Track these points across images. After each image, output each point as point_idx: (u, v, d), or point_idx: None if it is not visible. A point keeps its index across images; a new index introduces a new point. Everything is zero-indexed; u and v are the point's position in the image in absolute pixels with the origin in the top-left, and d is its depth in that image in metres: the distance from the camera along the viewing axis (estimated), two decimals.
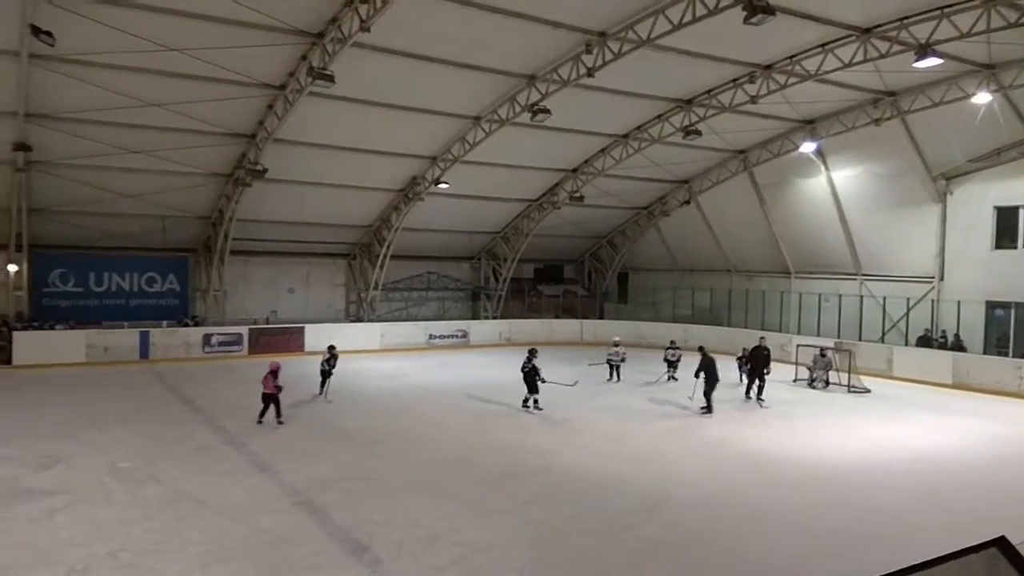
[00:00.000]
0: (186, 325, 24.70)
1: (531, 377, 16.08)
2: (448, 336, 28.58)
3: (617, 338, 21.59)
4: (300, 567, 7.89)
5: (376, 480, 11.17)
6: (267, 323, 26.46)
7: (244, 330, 24.87)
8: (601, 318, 32.75)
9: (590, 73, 18.18)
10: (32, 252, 22.09)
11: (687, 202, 29.78)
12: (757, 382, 18.03)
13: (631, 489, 10.95)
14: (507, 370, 21.46)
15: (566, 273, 35.42)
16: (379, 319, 28.73)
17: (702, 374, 16.83)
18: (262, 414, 14.44)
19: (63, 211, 22.12)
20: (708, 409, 16.59)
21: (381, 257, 27.81)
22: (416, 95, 20.47)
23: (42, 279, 23.35)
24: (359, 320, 28.66)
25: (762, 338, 19.68)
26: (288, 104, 19.36)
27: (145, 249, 25.03)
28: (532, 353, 16.48)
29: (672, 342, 21.78)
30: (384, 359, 24.63)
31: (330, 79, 16.84)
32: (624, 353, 20.88)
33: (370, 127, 21.78)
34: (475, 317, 31.61)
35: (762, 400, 17.80)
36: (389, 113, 21.09)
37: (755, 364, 18.24)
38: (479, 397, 17.50)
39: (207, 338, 24.13)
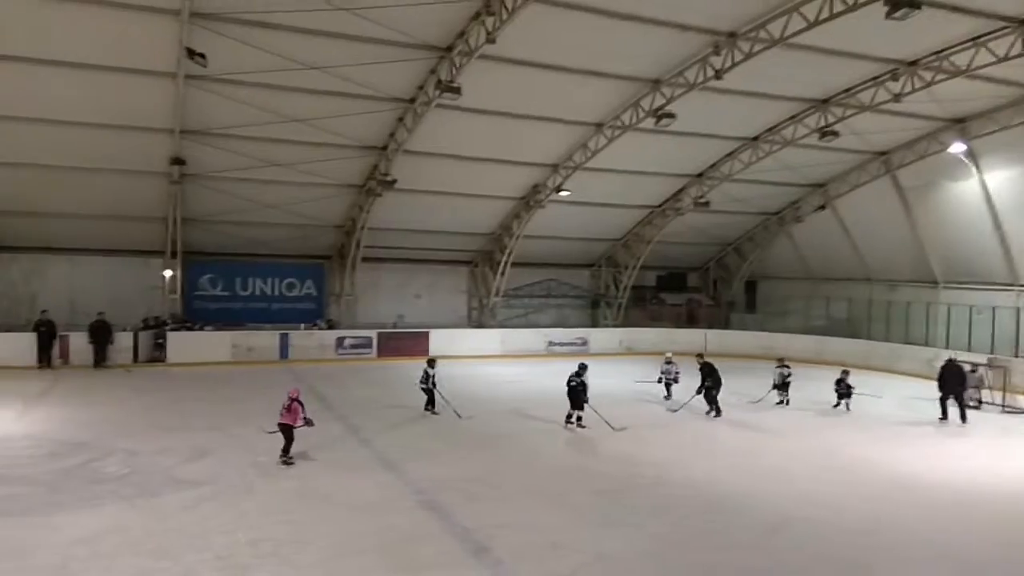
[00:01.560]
0: (318, 327, 26.04)
1: (576, 393, 15.28)
2: (567, 343, 28.55)
3: (669, 354, 19.87)
4: (425, 564, 8.09)
5: (495, 484, 11.29)
6: (395, 327, 27.41)
7: (374, 334, 25.89)
8: (727, 328, 31.70)
9: (718, 75, 17.70)
10: (185, 258, 23.97)
11: (823, 207, 28.33)
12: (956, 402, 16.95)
13: (755, 506, 10.49)
14: (624, 379, 21.26)
15: (690, 281, 34.53)
16: (500, 325, 29.12)
17: (708, 381, 17.11)
18: (286, 451, 11.99)
19: (213, 220, 23.87)
20: (718, 412, 16.94)
21: (502, 264, 28.19)
22: (539, 104, 20.66)
23: (194, 283, 25.29)
24: (480, 326, 29.16)
25: (953, 356, 18.49)
26: (417, 116, 20.06)
27: (285, 256, 26.57)
28: (582, 368, 15.60)
29: (781, 360, 19.18)
30: (504, 365, 24.91)
31: (457, 91, 17.33)
32: (677, 371, 19.09)
33: (494, 136, 22.16)
34: (595, 325, 31.41)
35: (965, 423, 16.71)
36: (512, 122, 21.40)
37: (950, 383, 16.99)
38: (595, 405, 17.33)
39: (340, 340, 25.31)
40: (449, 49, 17.59)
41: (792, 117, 22.62)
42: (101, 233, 23.44)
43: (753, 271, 33.50)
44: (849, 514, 10.28)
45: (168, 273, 23.69)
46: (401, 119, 20.74)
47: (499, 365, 24.76)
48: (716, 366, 17.44)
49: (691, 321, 32.23)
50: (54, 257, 23.72)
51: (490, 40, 15.88)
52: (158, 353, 22.80)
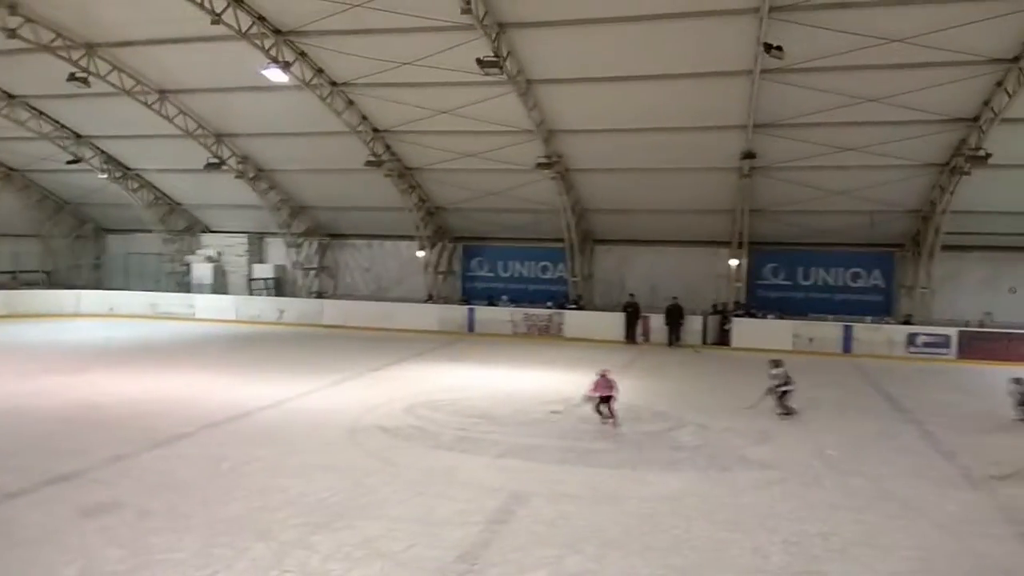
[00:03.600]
0: (886, 321, 24.20)
1: None
2: None
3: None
4: None
5: None
6: (980, 326, 23.69)
7: (953, 332, 22.84)
8: None
9: None
10: (750, 248, 24.89)
11: None
12: None
13: None
14: None
15: None
16: None
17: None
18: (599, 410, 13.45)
19: (778, 211, 24.23)
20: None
21: None
22: None
23: (757, 272, 26.15)
24: None
25: None
26: (1022, 78, 16.87)
27: (850, 245, 25.41)
28: None
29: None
30: None
31: None
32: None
33: None
34: None
35: None
36: None
37: None
38: None
39: (911, 337, 23.05)
40: None
41: None
42: (677, 226, 26.06)
43: None
44: None
45: (734, 262, 24.97)
46: (1000, 83, 17.70)
47: None
48: None
49: None
50: (639, 248, 27.34)
51: None
52: (723, 337, 24.29)
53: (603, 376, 13.68)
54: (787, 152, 21.47)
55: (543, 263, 28.77)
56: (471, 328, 26.85)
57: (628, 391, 16.80)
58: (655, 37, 17.95)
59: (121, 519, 8.34)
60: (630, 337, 24.86)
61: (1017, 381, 14.73)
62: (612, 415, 13.42)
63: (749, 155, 21.70)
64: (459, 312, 27.52)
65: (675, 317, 24.46)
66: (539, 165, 23.01)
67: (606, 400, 13.57)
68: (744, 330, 24.14)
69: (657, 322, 24.87)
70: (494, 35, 17.81)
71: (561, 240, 26.73)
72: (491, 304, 27.88)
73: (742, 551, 7.92)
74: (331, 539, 7.83)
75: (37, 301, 29.72)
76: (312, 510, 8.70)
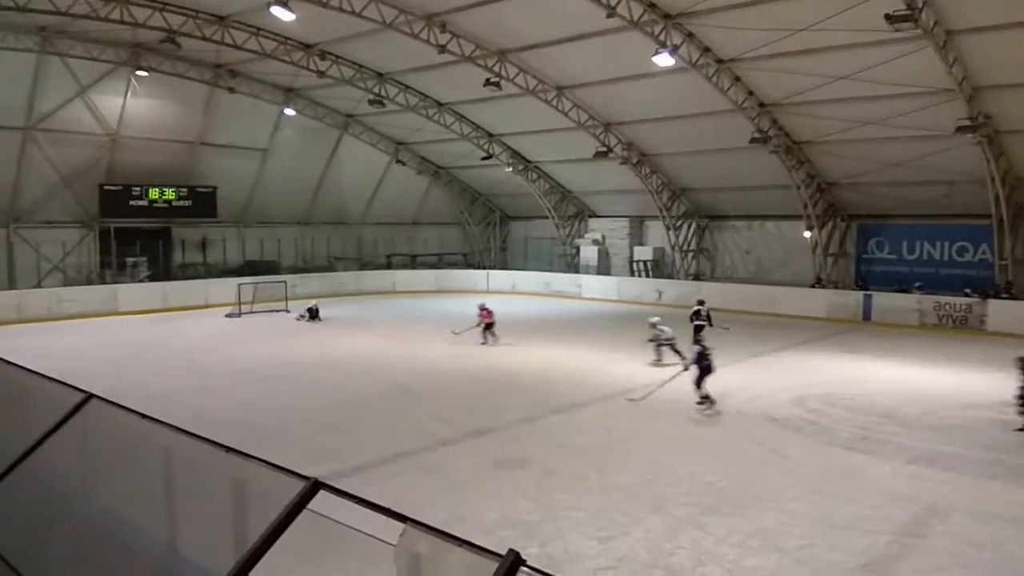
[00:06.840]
0: None
1: None
2: None
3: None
4: None
5: None
6: None
7: None
8: None
9: None
10: None
11: None
12: None
13: None
14: None
15: None
16: None
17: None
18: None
19: None
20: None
21: None
22: None
23: None
24: None
25: None
26: None
27: None
28: None
29: None
30: None
31: None
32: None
33: None
34: None
35: None
36: None
37: None
38: None
39: None
40: None
41: None
42: None
43: None
44: None
45: None
46: None
47: None
48: None
49: None
50: None
51: None
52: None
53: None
54: None
55: (960, 243, 24.68)
56: (867, 316, 24.26)
57: None
58: None
59: (528, 474, 9.28)
60: None
61: (653, 325, 16.25)
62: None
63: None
64: (852, 298, 25.05)
65: None
66: (960, 129, 19.70)
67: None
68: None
69: None
70: None
71: (986, 216, 22.62)
72: (901, 291, 24.64)
73: None
74: (723, 523, 7.71)
75: (457, 279, 34.83)
76: (702, 491, 8.68)
